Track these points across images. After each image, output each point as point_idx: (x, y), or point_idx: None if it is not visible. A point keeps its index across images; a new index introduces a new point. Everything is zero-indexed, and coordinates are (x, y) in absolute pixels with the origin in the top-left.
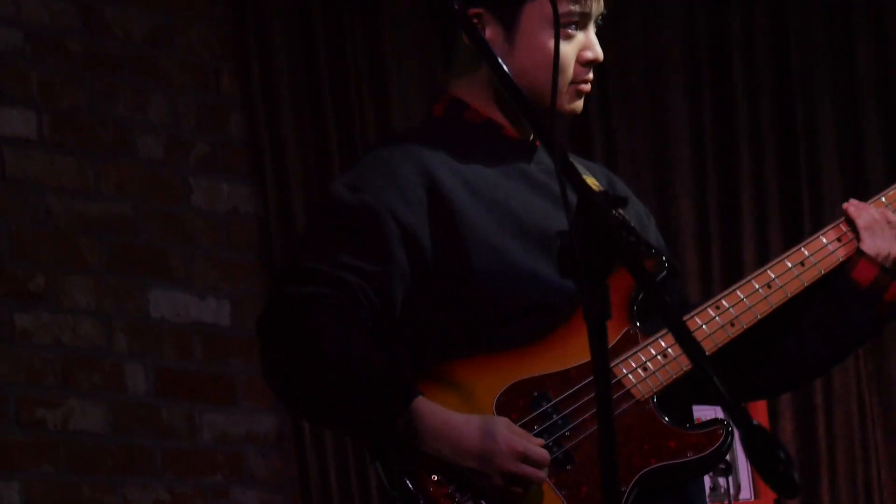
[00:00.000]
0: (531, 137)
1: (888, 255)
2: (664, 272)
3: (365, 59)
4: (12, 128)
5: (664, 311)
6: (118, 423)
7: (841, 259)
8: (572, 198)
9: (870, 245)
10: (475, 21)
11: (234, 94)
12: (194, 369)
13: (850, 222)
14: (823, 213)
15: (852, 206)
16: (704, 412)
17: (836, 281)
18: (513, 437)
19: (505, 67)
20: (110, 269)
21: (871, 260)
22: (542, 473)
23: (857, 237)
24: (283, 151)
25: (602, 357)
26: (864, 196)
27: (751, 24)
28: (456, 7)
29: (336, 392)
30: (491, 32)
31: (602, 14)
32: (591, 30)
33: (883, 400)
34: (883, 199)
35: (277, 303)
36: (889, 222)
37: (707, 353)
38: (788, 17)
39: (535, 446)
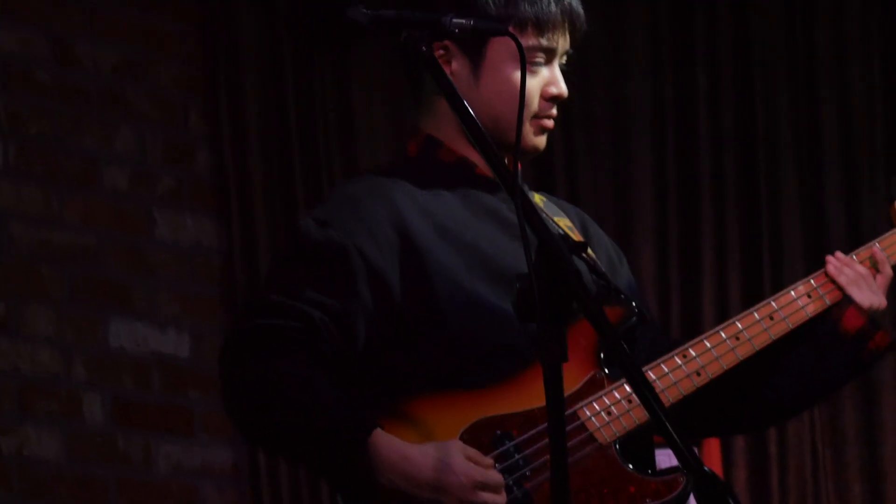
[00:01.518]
0: None
1: (878, 306)
2: (633, 318)
3: (333, 97)
4: None
5: (623, 360)
6: (74, 451)
7: (810, 315)
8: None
9: (859, 297)
10: (441, 52)
11: (201, 130)
12: (152, 400)
13: (833, 281)
14: (784, 266)
15: (831, 266)
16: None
17: (821, 327)
18: (468, 465)
19: (469, 108)
20: (72, 299)
21: (861, 310)
22: (501, 499)
23: (844, 292)
24: (248, 187)
25: (556, 399)
26: (825, 250)
27: (716, 77)
28: (423, 49)
29: (294, 426)
30: (457, 65)
31: (567, 52)
32: (556, 65)
33: (836, 452)
34: (854, 256)
35: (240, 334)
36: (881, 273)
37: (670, 402)
38: (754, 71)
39: (491, 472)
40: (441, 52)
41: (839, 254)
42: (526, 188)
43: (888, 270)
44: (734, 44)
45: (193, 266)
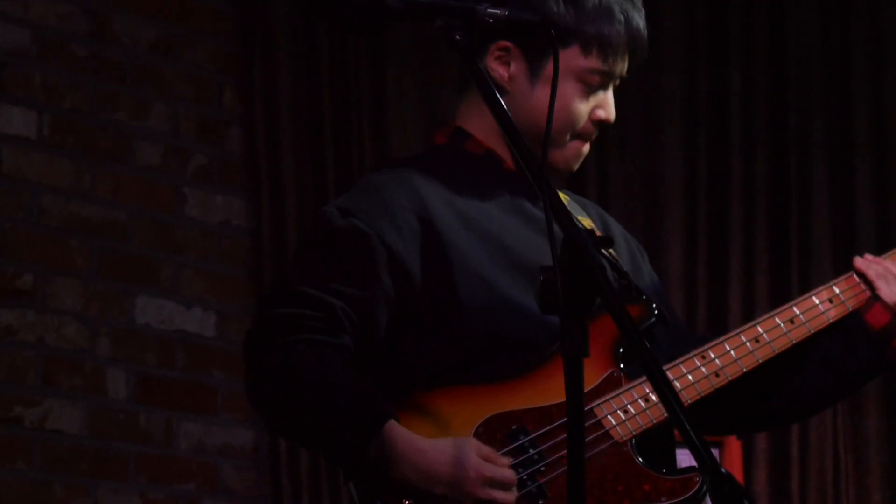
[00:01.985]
0: None
1: None
2: (652, 319)
3: (367, 84)
4: (13, 126)
5: (644, 358)
6: (95, 426)
7: (832, 320)
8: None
9: (886, 292)
10: (501, 53)
11: (234, 109)
12: (175, 378)
13: (861, 275)
14: (811, 268)
15: (860, 260)
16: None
17: (848, 321)
18: (481, 462)
19: (502, 102)
20: (99, 273)
21: (886, 306)
22: (511, 497)
23: (871, 286)
24: (279, 168)
25: (577, 393)
26: (853, 252)
27: (750, 75)
28: (458, 38)
29: (310, 413)
30: (516, 68)
31: (623, 76)
32: (610, 90)
33: (857, 457)
34: (885, 258)
35: (262, 322)
36: None
37: (687, 402)
38: (788, 69)
39: (503, 469)
40: (502, 52)
41: (868, 255)
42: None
43: None
44: (768, 41)
45: (221, 245)
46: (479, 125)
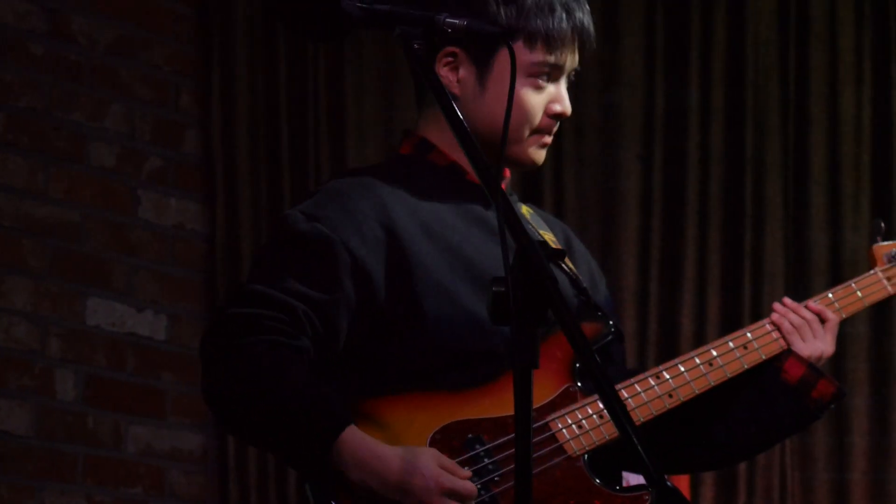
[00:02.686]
0: None
1: (820, 355)
2: (609, 336)
3: (324, 89)
4: None
5: (596, 374)
6: (43, 427)
7: (784, 346)
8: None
9: (799, 347)
10: (450, 59)
11: (191, 112)
12: (125, 380)
13: (776, 326)
14: (763, 289)
15: (776, 313)
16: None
17: (766, 375)
18: (439, 472)
19: (458, 111)
20: (51, 274)
21: (800, 358)
22: None
23: (785, 340)
24: (235, 172)
25: (525, 404)
26: (806, 273)
27: (708, 93)
28: (416, 46)
29: (269, 416)
30: (465, 73)
31: (575, 69)
32: (563, 83)
33: (804, 475)
34: (809, 304)
35: (221, 322)
36: (825, 321)
37: (640, 420)
38: (746, 90)
39: (461, 481)
40: (449, 58)
41: (787, 300)
42: (515, 199)
43: (831, 315)
44: (727, 61)
45: (175, 248)
46: (443, 136)
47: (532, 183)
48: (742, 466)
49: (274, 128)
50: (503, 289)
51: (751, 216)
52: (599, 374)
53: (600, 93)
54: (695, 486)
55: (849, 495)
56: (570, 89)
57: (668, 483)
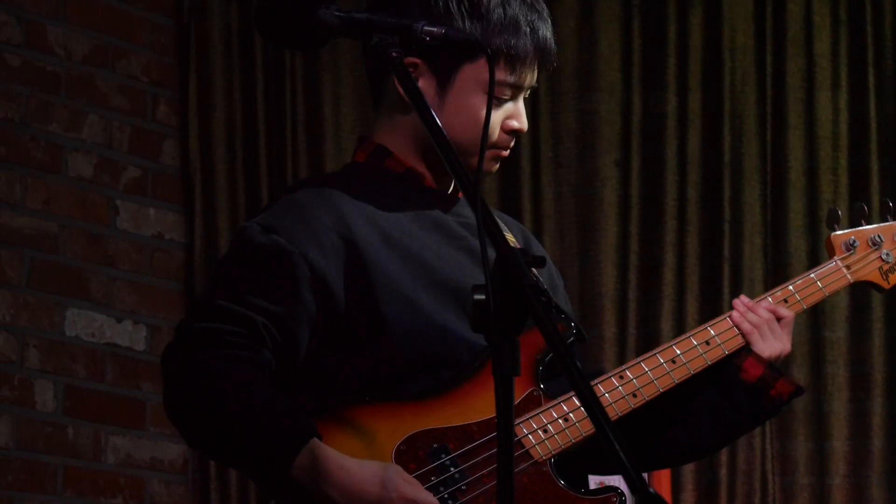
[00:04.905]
0: (450, 189)
1: (778, 354)
2: (572, 337)
3: (302, 99)
4: None
5: (573, 374)
6: (23, 438)
7: (728, 352)
8: (491, 253)
9: (759, 346)
10: (410, 69)
11: (168, 122)
12: (104, 391)
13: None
14: (741, 291)
15: (736, 313)
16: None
17: (725, 374)
18: (405, 485)
19: (437, 120)
20: (29, 285)
21: (759, 358)
22: None
23: (745, 339)
24: (213, 182)
25: (507, 413)
26: (785, 277)
27: (685, 98)
28: (394, 55)
29: (231, 430)
30: (424, 84)
31: (532, 87)
32: (521, 100)
33: (785, 480)
34: (769, 298)
35: (182, 336)
36: (780, 318)
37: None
38: (723, 95)
39: (426, 495)
40: (410, 68)
41: (744, 297)
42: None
43: (786, 313)
44: (704, 67)
45: (153, 258)
46: (399, 142)
47: (510, 188)
48: (723, 471)
49: (252, 137)
50: (483, 296)
51: (729, 221)
52: (576, 375)
53: (577, 99)
54: (675, 491)
55: (830, 500)
56: (542, 97)
57: (650, 489)
